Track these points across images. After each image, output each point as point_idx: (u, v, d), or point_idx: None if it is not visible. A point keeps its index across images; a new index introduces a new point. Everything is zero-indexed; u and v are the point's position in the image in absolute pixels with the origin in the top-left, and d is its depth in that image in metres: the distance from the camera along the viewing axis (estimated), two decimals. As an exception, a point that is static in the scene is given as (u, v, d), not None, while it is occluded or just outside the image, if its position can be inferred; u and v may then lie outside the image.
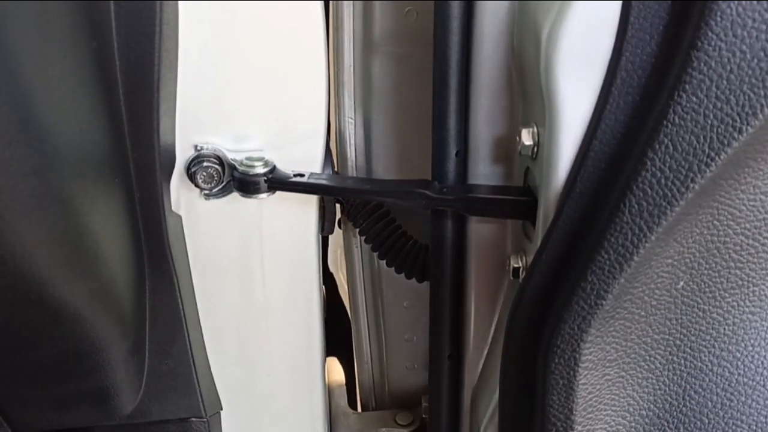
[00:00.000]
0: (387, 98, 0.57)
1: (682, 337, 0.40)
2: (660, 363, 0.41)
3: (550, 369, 0.39)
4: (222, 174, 0.48)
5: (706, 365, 0.41)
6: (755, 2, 0.30)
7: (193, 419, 0.55)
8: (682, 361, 0.41)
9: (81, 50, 0.35)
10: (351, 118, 0.59)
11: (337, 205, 0.62)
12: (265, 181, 0.48)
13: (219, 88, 0.45)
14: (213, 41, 0.44)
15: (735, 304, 0.39)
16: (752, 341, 0.41)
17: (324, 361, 0.63)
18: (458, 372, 0.60)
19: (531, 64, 0.40)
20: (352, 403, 0.78)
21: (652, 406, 0.42)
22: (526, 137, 0.41)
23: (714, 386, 0.41)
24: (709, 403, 0.42)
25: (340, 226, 0.65)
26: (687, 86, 0.32)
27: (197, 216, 0.51)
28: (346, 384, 0.80)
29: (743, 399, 0.42)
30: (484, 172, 0.50)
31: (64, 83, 0.34)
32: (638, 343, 0.40)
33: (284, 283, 0.57)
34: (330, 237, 0.66)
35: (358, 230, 0.61)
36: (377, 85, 0.57)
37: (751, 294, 0.39)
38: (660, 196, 0.34)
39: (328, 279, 0.76)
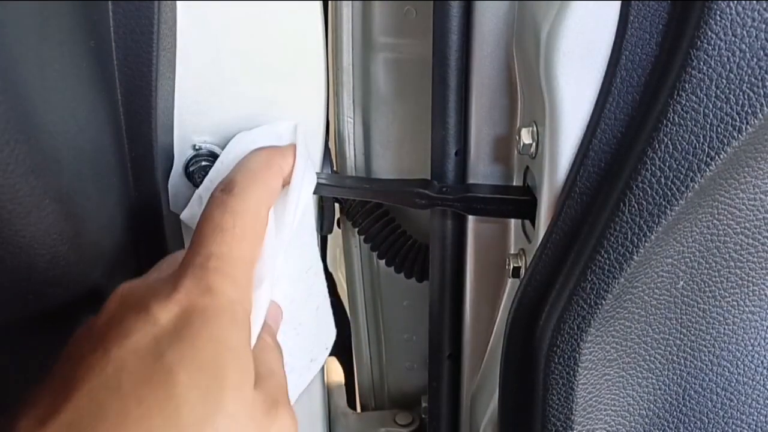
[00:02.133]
0: (386, 98, 0.57)
1: (682, 336, 0.40)
2: (660, 363, 0.41)
3: (550, 369, 0.39)
4: (221, 174, 0.48)
5: (706, 365, 0.41)
6: (755, 2, 0.30)
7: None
8: (682, 361, 0.41)
9: (79, 49, 0.35)
10: (350, 118, 0.58)
11: (336, 205, 0.62)
12: (264, 180, 0.48)
13: (217, 88, 0.45)
14: (211, 40, 0.44)
15: (735, 303, 0.39)
16: (752, 341, 0.41)
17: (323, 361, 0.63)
18: (458, 372, 0.60)
19: (530, 63, 0.40)
20: (351, 404, 0.78)
21: (651, 405, 0.42)
22: (526, 136, 0.41)
23: (714, 386, 0.41)
24: (709, 403, 0.42)
25: (339, 226, 0.65)
26: (687, 85, 0.32)
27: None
28: (346, 384, 0.80)
29: (743, 398, 0.42)
30: (483, 171, 0.50)
31: (62, 82, 0.34)
32: (638, 343, 0.40)
33: (283, 283, 0.56)
34: (329, 237, 0.66)
35: (357, 230, 0.61)
36: (376, 84, 0.57)
37: (751, 293, 0.39)
38: (660, 195, 0.34)
39: (327, 279, 0.76)
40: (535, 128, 0.41)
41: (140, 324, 0.29)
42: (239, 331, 0.30)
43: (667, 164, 0.33)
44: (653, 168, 0.33)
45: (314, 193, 0.47)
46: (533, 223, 0.44)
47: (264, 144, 0.41)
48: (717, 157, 0.33)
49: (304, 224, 0.40)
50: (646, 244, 0.35)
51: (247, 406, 0.28)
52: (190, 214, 0.41)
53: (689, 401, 0.42)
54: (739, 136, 0.32)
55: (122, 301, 0.31)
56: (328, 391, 0.76)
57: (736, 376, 0.41)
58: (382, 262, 0.61)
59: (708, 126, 0.32)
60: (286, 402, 0.32)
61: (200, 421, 0.26)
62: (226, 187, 0.34)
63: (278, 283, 0.36)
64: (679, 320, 0.39)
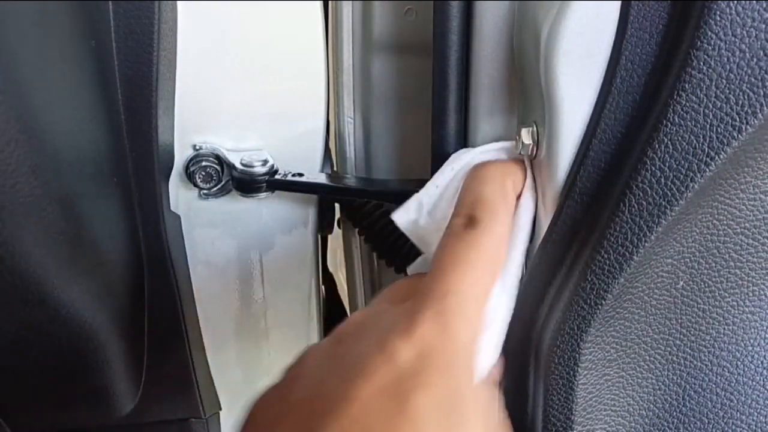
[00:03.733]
0: (386, 98, 0.57)
1: (681, 336, 0.40)
2: (660, 363, 0.41)
3: (550, 369, 0.39)
4: (221, 173, 0.48)
5: (706, 365, 0.41)
6: (754, 2, 0.30)
7: (192, 419, 0.55)
8: (682, 361, 0.41)
9: (79, 49, 0.35)
10: (350, 118, 0.58)
11: (337, 205, 0.62)
12: (264, 180, 0.48)
13: (217, 88, 0.45)
14: (211, 40, 0.44)
15: (735, 303, 0.39)
16: (752, 341, 0.41)
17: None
18: (458, 372, 0.59)
19: (530, 64, 0.40)
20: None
21: (651, 406, 0.42)
22: (526, 137, 0.41)
23: (714, 386, 0.41)
24: (709, 403, 0.42)
25: (339, 226, 0.65)
26: (687, 85, 0.32)
27: (196, 216, 0.51)
28: (346, 384, 0.80)
29: (743, 399, 0.42)
30: (483, 171, 0.50)
31: (62, 82, 0.34)
32: (638, 343, 0.40)
33: (283, 283, 0.56)
34: (329, 237, 0.66)
35: (357, 230, 0.61)
36: (376, 84, 0.57)
37: (751, 294, 0.39)
38: (660, 195, 0.34)
39: (327, 279, 0.76)
40: (534, 128, 0.41)
41: (381, 361, 0.28)
42: (472, 377, 0.30)
43: (667, 164, 0.33)
44: (653, 168, 0.33)
45: (314, 193, 0.47)
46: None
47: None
48: (717, 157, 0.33)
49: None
50: (646, 244, 0.35)
51: None
52: (406, 219, 0.39)
53: (689, 401, 0.42)
54: (739, 136, 0.32)
55: (357, 330, 0.30)
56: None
57: (736, 377, 0.41)
58: (383, 262, 0.61)
59: (708, 126, 0.32)
60: None
61: None
62: (468, 221, 0.33)
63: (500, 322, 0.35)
64: (679, 320, 0.39)
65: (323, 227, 0.57)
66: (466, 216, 0.34)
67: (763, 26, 0.30)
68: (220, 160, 0.48)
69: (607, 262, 0.36)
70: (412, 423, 0.26)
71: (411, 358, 0.28)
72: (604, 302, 0.37)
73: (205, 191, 0.49)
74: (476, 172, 0.36)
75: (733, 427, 0.42)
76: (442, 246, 0.33)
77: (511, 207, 0.35)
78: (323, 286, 0.63)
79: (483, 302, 0.32)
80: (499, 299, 0.33)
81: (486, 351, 0.33)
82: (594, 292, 0.37)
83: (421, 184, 0.49)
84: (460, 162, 0.40)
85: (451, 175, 0.39)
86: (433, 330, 0.29)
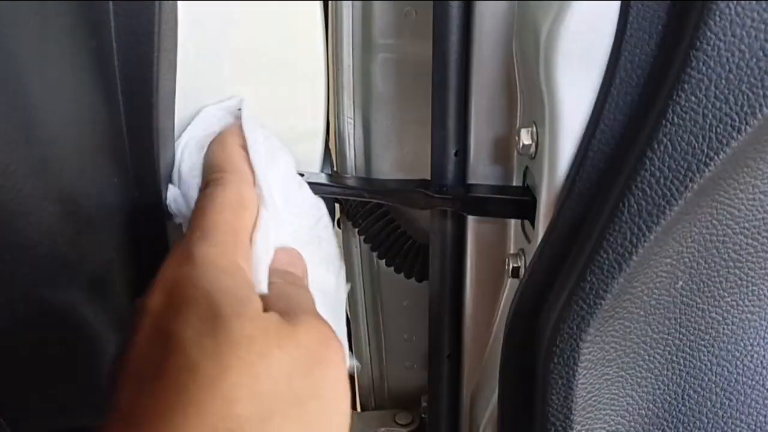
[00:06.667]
0: (386, 98, 0.57)
1: (681, 336, 0.40)
2: (659, 362, 0.41)
3: (549, 369, 0.39)
4: (221, 174, 0.48)
5: (705, 365, 0.41)
6: (754, 2, 0.30)
7: (193, 419, 0.55)
8: (681, 361, 0.41)
9: (80, 50, 0.35)
10: (350, 118, 0.59)
11: (336, 205, 0.62)
12: (264, 180, 0.48)
13: (217, 88, 0.45)
14: (211, 41, 0.44)
15: (734, 303, 0.39)
16: (751, 341, 0.41)
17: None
18: (458, 372, 0.60)
19: (530, 64, 0.40)
20: (351, 403, 0.78)
21: (651, 405, 0.42)
22: (526, 137, 0.41)
23: (713, 386, 0.42)
24: (708, 403, 0.42)
25: (339, 226, 0.65)
26: (686, 86, 0.32)
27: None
28: (346, 384, 0.80)
29: (742, 398, 0.42)
30: (483, 171, 0.50)
31: (62, 83, 0.34)
32: (637, 343, 0.40)
33: (283, 283, 0.56)
34: (329, 237, 0.66)
35: (357, 230, 0.61)
36: (376, 85, 0.57)
37: (750, 293, 0.39)
38: (659, 195, 0.34)
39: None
40: (534, 129, 0.41)
41: (140, 315, 0.31)
42: (228, 276, 0.31)
43: (666, 164, 0.33)
44: (652, 168, 0.33)
45: (314, 193, 0.47)
46: (533, 224, 0.44)
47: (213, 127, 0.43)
48: (716, 157, 0.33)
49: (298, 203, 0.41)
50: (646, 244, 0.35)
51: (255, 325, 0.29)
52: (172, 199, 0.43)
53: (688, 401, 0.42)
54: (739, 136, 0.32)
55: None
56: (328, 391, 0.76)
57: (735, 376, 0.41)
58: (382, 262, 0.61)
59: (707, 126, 0.32)
60: (310, 312, 0.32)
61: (214, 361, 0.27)
62: (205, 184, 0.38)
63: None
64: (679, 320, 0.39)
65: (323, 227, 0.57)
66: (208, 181, 0.38)
67: (763, 26, 0.30)
68: (220, 160, 0.48)
69: (607, 261, 0.36)
70: (175, 348, 0.28)
71: (161, 300, 0.30)
72: (603, 302, 0.37)
73: (205, 191, 0.49)
74: (210, 145, 0.41)
75: (732, 426, 0.42)
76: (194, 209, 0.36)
77: (243, 159, 0.39)
78: (323, 286, 0.63)
79: (231, 226, 0.34)
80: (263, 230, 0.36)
81: (258, 259, 0.34)
82: (593, 292, 0.37)
83: (421, 184, 0.50)
84: (191, 132, 0.43)
85: (181, 149, 0.43)
86: (174, 265, 0.31)
